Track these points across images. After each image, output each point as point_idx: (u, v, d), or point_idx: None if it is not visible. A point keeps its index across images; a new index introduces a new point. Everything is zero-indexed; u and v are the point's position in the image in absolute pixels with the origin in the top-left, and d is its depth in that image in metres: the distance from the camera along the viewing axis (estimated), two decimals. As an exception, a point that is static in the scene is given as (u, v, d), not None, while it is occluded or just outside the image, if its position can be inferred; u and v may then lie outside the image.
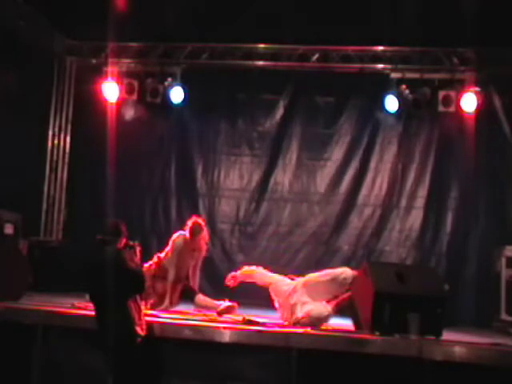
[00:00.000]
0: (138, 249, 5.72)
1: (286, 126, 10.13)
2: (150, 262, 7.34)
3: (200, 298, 7.24)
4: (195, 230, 7.34)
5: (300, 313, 6.39)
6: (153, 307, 7.02)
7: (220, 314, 6.83)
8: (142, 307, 5.57)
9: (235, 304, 6.96)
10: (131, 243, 5.69)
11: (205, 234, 7.43)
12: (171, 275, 7.23)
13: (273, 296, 6.89)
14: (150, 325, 5.67)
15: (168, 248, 7.41)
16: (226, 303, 6.97)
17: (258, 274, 7.11)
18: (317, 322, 6.22)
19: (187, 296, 7.28)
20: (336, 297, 6.52)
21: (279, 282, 6.83)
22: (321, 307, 6.33)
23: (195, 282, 7.47)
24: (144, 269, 7.20)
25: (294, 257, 9.80)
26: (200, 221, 7.48)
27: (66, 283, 8.66)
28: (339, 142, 9.98)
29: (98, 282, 5.34)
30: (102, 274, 5.31)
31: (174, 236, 7.45)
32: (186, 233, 7.37)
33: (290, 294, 6.59)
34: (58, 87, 10.52)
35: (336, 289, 6.48)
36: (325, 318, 6.29)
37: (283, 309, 6.68)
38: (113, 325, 5.25)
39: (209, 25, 9.22)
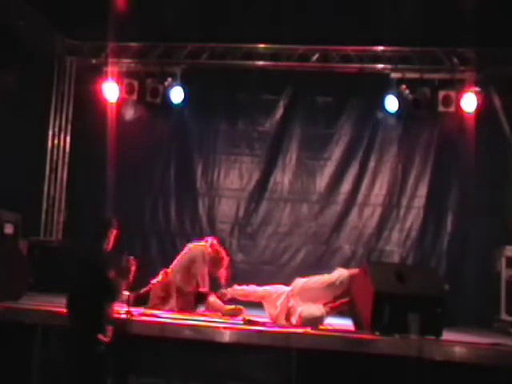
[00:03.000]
0: (132, 267, 5.70)
1: (286, 126, 10.13)
2: (157, 279, 7.31)
3: (213, 297, 7.19)
4: (217, 260, 7.26)
5: (294, 318, 6.41)
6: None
7: (225, 315, 6.84)
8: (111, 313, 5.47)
9: (242, 307, 6.96)
10: (128, 260, 5.68)
11: (225, 261, 7.31)
12: (177, 279, 7.16)
13: (266, 309, 6.88)
14: (123, 325, 5.66)
15: (179, 256, 7.38)
16: (232, 306, 7.00)
17: (250, 292, 7.08)
18: (308, 322, 6.20)
19: (200, 300, 7.25)
20: (335, 298, 6.53)
21: (272, 295, 6.79)
22: (312, 308, 6.31)
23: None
24: (151, 286, 7.23)
25: (294, 256, 9.81)
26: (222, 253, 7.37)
27: (66, 283, 8.65)
28: (339, 141, 9.98)
29: (76, 282, 5.35)
30: (82, 275, 5.33)
31: (192, 246, 7.40)
32: (208, 246, 7.30)
33: (288, 297, 6.59)
34: (58, 87, 10.51)
35: (334, 292, 6.47)
36: (317, 319, 6.25)
37: (279, 314, 6.66)
38: (80, 327, 5.23)
39: (209, 25, 9.22)
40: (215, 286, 7.34)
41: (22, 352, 6.03)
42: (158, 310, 6.98)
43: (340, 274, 6.50)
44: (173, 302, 7.09)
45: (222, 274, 7.24)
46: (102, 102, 10.04)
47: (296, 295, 6.55)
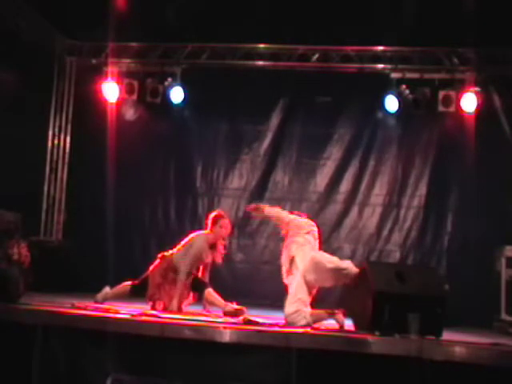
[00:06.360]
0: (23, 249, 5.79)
1: (286, 126, 10.15)
2: (157, 261, 7.26)
3: (210, 291, 7.12)
4: (217, 218, 7.24)
5: (288, 307, 6.37)
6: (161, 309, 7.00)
7: (226, 315, 6.83)
8: None
9: (243, 308, 6.92)
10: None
11: (226, 222, 7.29)
12: (183, 274, 7.09)
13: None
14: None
15: (182, 245, 7.28)
16: (234, 305, 6.96)
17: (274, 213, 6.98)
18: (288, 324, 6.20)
19: (197, 288, 7.17)
20: (334, 286, 6.54)
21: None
22: (299, 317, 6.26)
23: (205, 278, 7.36)
24: (150, 271, 7.21)
25: (294, 256, 9.80)
26: (222, 212, 7.46)
27: (65, 283, 8.68)
28: (339, 141, 10.00)
29: None
30: None
31: (194, 235, 7.33)
32: (208, 229, 7.27)
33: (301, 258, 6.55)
34: (58, 87, 10.52)
35: (336, 279, 6.42)
36: (297, 324, 6.22)
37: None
38: None
39: (209, 25, 9.23)
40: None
41: (22, 352, 6.03)
42: (157, 300, 7.01)
43: (349, 266, 6.41)
44: (174, 304, 7.06)
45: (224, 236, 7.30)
46: (102, 102, 10.05)
47: (306, 259, 6.48)
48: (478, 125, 9.25)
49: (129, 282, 7.31)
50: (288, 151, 10.10)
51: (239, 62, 9.95)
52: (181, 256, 7.17)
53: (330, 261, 6.47)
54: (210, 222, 7.30)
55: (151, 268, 7.23)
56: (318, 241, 6.76)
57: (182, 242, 7.33)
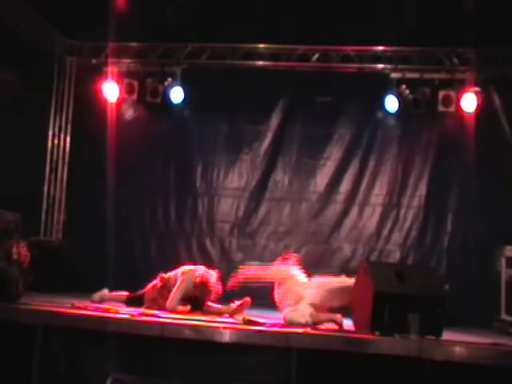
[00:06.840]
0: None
1: (286, 126, 10.14)
2: (154, 282, 7.26)
3: (208, 304, 7.19)
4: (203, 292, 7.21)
5: (288, 308, 6.39)
6: None
7: (231, 315, 6.83)
8: None
9: (247, 300, 6.96)
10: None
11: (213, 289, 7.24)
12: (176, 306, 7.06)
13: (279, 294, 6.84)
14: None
15: (174, 274, 7.28)
16: (236, 303, 6.98)
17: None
18: (288, 324, 6.21)
19: (195, 307, 7.16)
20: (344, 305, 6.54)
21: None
22: (298, 314, 6.26)
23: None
24: (147, 289, 7.23)
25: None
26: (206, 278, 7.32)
27: (65, 283, 8.67)
28: (339, 141, 10.00)
29: None
30: None
31: (184, 271, 7.27)
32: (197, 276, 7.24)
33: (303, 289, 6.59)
34: (58, 87, 10.52)
35: (341, 298, 6.44)
36: (299, 326, 6.23)
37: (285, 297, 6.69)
38: None
39: (209, 25, 9.23)
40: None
41: (22, 352, 6.03)
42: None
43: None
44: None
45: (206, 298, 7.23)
46: (102, 102, 10.05)
47: (314, 288, 6.50)
48: (478, 125, 9.24)
49: (126, 293, 7.33)
50: (288, 151, 10.10)
51: (239, 62, 9.94)
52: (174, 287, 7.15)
53: (334, 280, 6.53)
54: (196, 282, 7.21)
55: (149, 286, 7.27)
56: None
57: (175, 272, 7.30)
